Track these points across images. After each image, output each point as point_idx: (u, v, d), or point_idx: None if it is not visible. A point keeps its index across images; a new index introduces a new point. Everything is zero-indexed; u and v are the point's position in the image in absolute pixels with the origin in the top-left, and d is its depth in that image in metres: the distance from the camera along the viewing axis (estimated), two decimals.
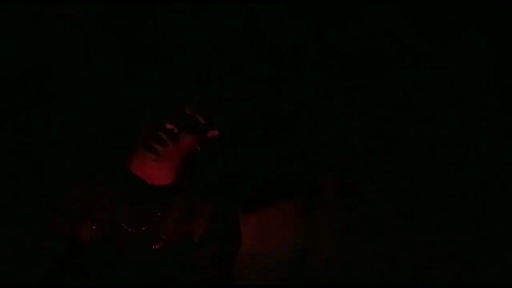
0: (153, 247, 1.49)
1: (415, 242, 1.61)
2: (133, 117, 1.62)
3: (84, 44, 1.74)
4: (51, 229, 1.46)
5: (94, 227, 1.45)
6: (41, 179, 1.57)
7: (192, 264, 1.52)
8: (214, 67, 1.64)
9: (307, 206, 1.62)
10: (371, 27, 1.77)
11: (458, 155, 1.68)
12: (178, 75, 1.68)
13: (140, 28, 1.75)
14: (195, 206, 1.52)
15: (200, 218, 1.51)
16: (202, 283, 1.52)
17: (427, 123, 1.71)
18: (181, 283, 1.52)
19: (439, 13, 1.74)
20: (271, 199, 1.64)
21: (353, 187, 1.65)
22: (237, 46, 1.70)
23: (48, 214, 1.46)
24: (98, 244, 1.46)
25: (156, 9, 1.74)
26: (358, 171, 1.68)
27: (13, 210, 1.53)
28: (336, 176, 1.66)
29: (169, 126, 1.47)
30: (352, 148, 1.69)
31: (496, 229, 1.63)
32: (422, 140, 1.70)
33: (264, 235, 1.63)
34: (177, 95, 1.54)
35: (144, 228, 1.49)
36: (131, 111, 1.66)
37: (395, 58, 1.75)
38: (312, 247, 1.60)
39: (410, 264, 1.59)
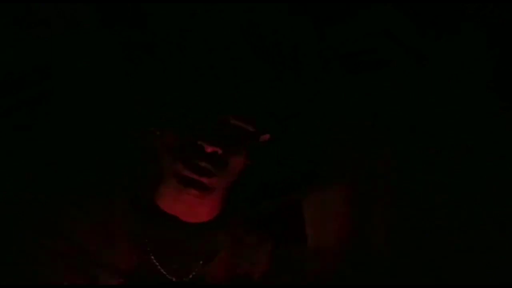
0: None
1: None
2: (135, 119, 1.62)
3: (84, 44, 1.74)
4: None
5: (121, 280, 1.12)
6: (41, 179, 1.57)
7: None
8: (214, 67, 1.64)
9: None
10: (371, 27, 1.77)
11: (458, 155, 1.68)
12: (178, 75, 1.68)
13: (140, 28, 1.75)
14: (250, 244, 1.22)
15: (259, 256, 1.21)
16: None
17: (427, 123, 1.71)
18: None
19: (439, 13, 1.74)
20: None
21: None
22: (237, 46, 1.70)
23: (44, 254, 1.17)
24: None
25: (156, 9, 1.74)
26: (358, 171, 1.68)
27: (13, 209, 1.53)
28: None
29: (210, 149, 1.13)
30: (351, 148, 1.69)
31: (497, 229, 1.63)
32: (422, 140, 1.70)
33: None
34: (194, 107, 1.20)
35: (187, 279, 1.16)
36: (131, 111, 1.66)
37: (395, 58, 1.75)
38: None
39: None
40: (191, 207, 1.17)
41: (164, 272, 1.16)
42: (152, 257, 1.17)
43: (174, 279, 1.16)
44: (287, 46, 1.76)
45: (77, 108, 1.68)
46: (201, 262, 1.18)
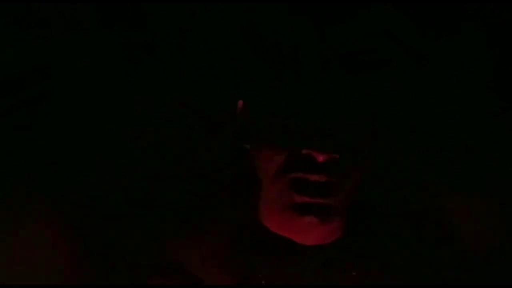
0: None
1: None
2: (135, 118, 1.62)
3: (84, 44, 1.74)
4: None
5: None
6: (41, 179, 1.57)
7: None
8: (214, 67, 1.64)
9: None
10: (371, 27, 1.77)
11: (458, 155, 1.68)
12: (178, 75, 1.68)
13: (140, 28, 1.75)
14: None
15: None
16: None
17: (427, 123, 1.71)
18: None
19: (439, 13, 1.74)
20: None
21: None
22: (237, 46, 1.70)
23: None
24: None
25: (156, 9, 1.74)
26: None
27: (13, 209, 1.53)
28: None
29: (322, 157, 0.92)
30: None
31: (497, 229, 1.63)
32: (422, 140, 1.70)
33: None
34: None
35: None
36: (131, 111, 1.66)
37: (395, 58, 1.75)
38: None
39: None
40: (309, 232, 0.97)
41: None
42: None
43: None
44: (287, 46, 1.76)
45: (77, 108, 1.68)
46: None
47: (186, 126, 1.33)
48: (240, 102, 1.01)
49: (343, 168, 0.90)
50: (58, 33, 1.74)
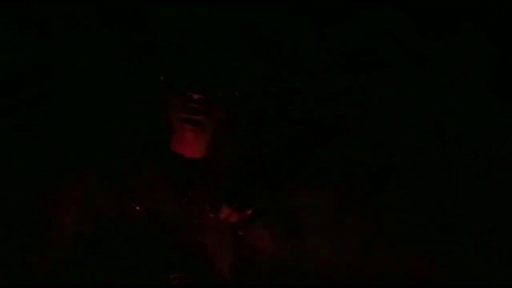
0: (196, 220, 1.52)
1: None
2: (134, 116, 1.62)
3: (84, 44, 1.74)
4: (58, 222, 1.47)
5: (138, 208, 1.51)
6: (41, 179, 1.57)
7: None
8: (214, 67, 1.64)
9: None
10: (371, 27, 1.77)
11: (458, 154, 1.68)
12: (178, 75, 1.68)
13: (140, 28, 1.75)
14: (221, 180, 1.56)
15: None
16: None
17: (426, 123, 1.71)
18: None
19: (439, 13, 1.74)
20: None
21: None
22: (237, 46, 1.70)
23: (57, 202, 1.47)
24: (142, 224, 1.50)
25: (156, 9, 1.74)
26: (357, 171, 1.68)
27: (13, 210, 1.53)
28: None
29: (196, 96, 1.51)
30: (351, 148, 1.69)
31: (497, 229, 1.63)
32: (422, 140, 1.70)
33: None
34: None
35: (184, 202, 1.53)
36: (131, 110, 1.66)
37: (395, 58, 1.75)
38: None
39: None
40: (191, 144, 1.56)
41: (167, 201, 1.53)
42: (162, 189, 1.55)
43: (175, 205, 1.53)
44: (287, 46, 1.76)
45: (77, 108, 1.68)
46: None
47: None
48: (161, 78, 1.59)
49: (208, 104, 1.53)
50: (58, 33, 1.74)
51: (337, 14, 1.76)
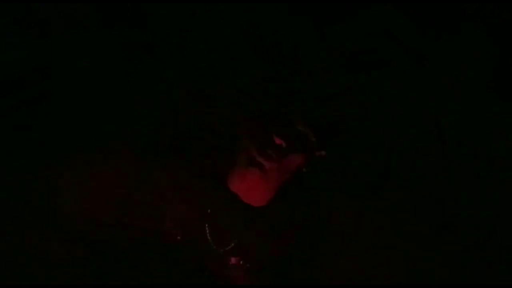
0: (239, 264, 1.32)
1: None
2: (135, 116, 1.62)
3: (84, 44, 1.74)
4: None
5: (179, 238, 1.33)
6: (41, 179, 1.57)
7: None
8: (214, 67, 1.64)
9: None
10: (371, 27, 1.77)
11: (458, 154, 1.68)
12: (178, 75, 1.68)
13: (140, 28, 1.75)
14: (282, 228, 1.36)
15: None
16: None
17: (426, 123, 1.71)
18: None
19: (439, 13, 1.74)
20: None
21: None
22: (237, 46, 1.70)
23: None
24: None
25: (156, 9, 1.74)
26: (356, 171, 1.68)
27: (13, 210, 1.53)
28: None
29: (278, 141, 1.33)
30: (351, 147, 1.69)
31: (497, 230, 1.63)
32: (422, 140, 1.70)
33: None
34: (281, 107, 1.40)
35: (229, 247, 1.33)
36: (131, 111, 1.66)
37: (395, 58, 1.75)
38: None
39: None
40: (249, 188, 1.33)
41: (209, 239, 1.31)
42: (207, 224, 1.33)
43: (214, 247, 1.33)
44: (287, 46, 1.76)
45: (77, 108, 1.68)
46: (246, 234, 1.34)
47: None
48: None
49: (286, 154, 1.32)
50: (58, 33, 1.74)
51: (337, 14, 1.76)
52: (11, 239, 1.47)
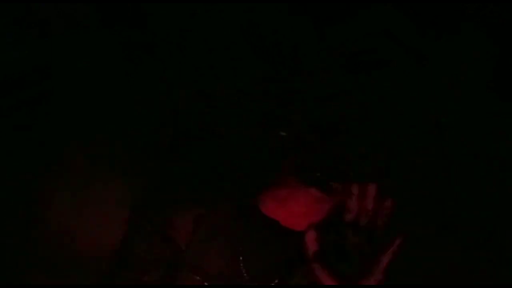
0: None
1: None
2: (135, 117, 1.62)
3: (84, 44, 1.74)
4: None
5: (198, 278, 1.10)
6: (41, 179, 1.57)
7: None
8: (214, 67, 1.64)
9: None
10: (371, 27, 1.77)
11: (458, 155, 1.68)
12: (178, 75, 1.68)
13: (140, 28, 1.75)
14: None
15: None
16: None
17: (426, 123, 1.71)
18: None
19: (439, 13, 1.74)
20: None
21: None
22: (237, 46, 1.70)
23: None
24: None
25: (156, 9, 1.74)
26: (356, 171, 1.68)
27: (13, 210, 1.53)
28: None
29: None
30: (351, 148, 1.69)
31: (496, 229, 1.63)
32: (422, 140, 1.70)
33: None
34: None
35: (275, 283, 1.11)
36: (131, 111, 1.66)
37: (395, 58, 1.75)
38: None
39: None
40: (297, 214, 1.13)
41: (246, 276, 1.10)
42: (241, 262, 1.11)
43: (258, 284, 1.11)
44: (287, 46, 1.76)
45: (77, 108, 1.68)
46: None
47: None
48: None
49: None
50: (58, 33, 1.74)
51: (337, 14, 1.76)
52: (11, 239, 1.47)
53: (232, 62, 1.67)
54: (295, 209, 1.15)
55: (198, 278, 1.11)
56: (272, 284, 1.14)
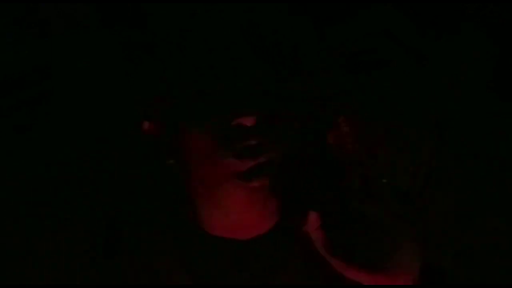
0: None
1: None
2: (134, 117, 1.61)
3: (84, 44, 1.74)
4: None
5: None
6: (41, 180, 1.57)
7: None
8: (214, 67, 1.64)
9: None
10: (371, 27, 1.77)
11: (458, 155, 1.68)
12: (178, 75, 1.68)
13: (140, 28, 1.75)
14: None
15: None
16: None
17: (426, 123, 1.71)
18: None
19: (439, 13, 1.74)
20: None
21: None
22: (237, 46, 1.70)
23: None
24: None
25: (156, 9, 1.74)
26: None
27: (13, 210, 1.53)
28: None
29: (249, 122, 0.97)
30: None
31: (496, 229, 1.63)
32: (422, 139, 1.70)
33: None
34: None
35: None
36: (131, 111, 1.65)
37: (395, 58, 1.75)
38: None
39: None
40: (242, 218, 0.92)
41: None
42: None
43: None
44: (287, 46, 1.76)
45: (77, 108, 1.68)
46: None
47: None
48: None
49: (269, 130, 0.94)
50: (58, 33, 1.74)
51: (337, 14, 1.76)
52: (11, 239, 1.47)
53: (232, 62, 1.67)
54: (229, 221, 0.95)
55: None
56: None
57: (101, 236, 1.48)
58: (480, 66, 1.73)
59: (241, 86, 1.50)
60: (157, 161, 1.53)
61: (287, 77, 1.75)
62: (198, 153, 0.93)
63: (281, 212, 1.00)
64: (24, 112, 1.68)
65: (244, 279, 0.94)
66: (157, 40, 1.80)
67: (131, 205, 1.51)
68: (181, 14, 1.77)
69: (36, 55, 1.72)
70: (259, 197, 0.94)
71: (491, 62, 1.73)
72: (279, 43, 1.77)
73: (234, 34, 1.74)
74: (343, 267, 0.90)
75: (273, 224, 0.98)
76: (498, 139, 1.69)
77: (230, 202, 0.93)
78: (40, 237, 1.46)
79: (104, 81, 1.71)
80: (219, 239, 0.94)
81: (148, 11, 1.82)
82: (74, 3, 1.74)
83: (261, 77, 1.69)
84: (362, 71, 1.75)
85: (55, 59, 1.72)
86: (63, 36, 1.74)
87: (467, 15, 1.73)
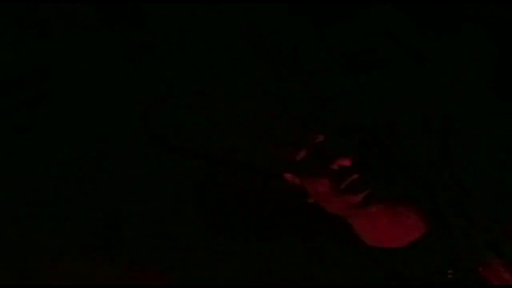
0: None
1: None
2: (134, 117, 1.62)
3: (84, 44, 1.74)
4: None
5: None
6: (41, 180, 1.57)
7: None
8: (214, 67, 1.64)
9: None
10: (371, 27, 1.77)
11: (458, 155, 1.68)
12: (178, 75, 1.68)
13: (140, 28, 1.75)
14: None
15: None
16: None
17: (426, 123, 1.71)
18: None
19: (439, 13, 1.74)
20: None
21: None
22: (237, 46, 1.70)
23: None
24: None
25: (156, 9, 1.74)
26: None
27: (13, 210, 1.53)
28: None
29: (345, 162, 1.10)
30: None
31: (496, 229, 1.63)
32: (422, 139, 1.70)
33: None
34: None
35: None
36: (132, 111, 1.66)
37: (395, 58, 1.75)
38: None
39: None
40: (387, 232, 1.14)
41: None
42: None
43: None
44: (287, 46, 1.76)
45: (77, 108, 1.68)
46: None
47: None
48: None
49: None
50: (58, 33, 1.74)
51: (337, 14, 1.76)
52: (11, 239, 1.47)
53: (232, 62, 1.68)
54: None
55: None
56: None
57: (101, 236, 1.48)
58: (480, 66, 1.72)
59: (241, 86, 1.50)
60: (157, 161, 1.54)
61: (287, 77, 1.75)
62: (320, 198, 1.14)
63: (426, 223, 1.19)
64: (24, 112, 1.68)
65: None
66: (157, 40, 1.80)
67: (131, 205, 1.51)
68: (181, 14, 1.77)
69: (36, 55, 1.72)
70: (388, 216, 1.14)
71: (491, 62, 1.73)
72: (279, 43, 1.77)
73: (234, 34, 1.74)
74: None
75: (419, 235, 1.16)
76: (498, 139, 1.69)
77: (372, 224, 1.13)
78: (40, 237, 1.46)
79: (104, 81, 1.71)
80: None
81: (148, 11, 1.83)
82: (74, 3, 1.74)
83: (261, 77, 1.69)
84: (362, 71, 1.75)
85: (55, 59, 1.72)
86: (63, 36, 1.74)
87: (467, 15, 1.73)
